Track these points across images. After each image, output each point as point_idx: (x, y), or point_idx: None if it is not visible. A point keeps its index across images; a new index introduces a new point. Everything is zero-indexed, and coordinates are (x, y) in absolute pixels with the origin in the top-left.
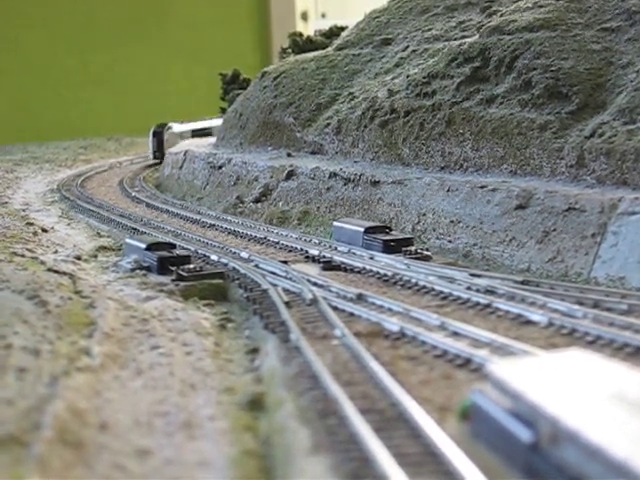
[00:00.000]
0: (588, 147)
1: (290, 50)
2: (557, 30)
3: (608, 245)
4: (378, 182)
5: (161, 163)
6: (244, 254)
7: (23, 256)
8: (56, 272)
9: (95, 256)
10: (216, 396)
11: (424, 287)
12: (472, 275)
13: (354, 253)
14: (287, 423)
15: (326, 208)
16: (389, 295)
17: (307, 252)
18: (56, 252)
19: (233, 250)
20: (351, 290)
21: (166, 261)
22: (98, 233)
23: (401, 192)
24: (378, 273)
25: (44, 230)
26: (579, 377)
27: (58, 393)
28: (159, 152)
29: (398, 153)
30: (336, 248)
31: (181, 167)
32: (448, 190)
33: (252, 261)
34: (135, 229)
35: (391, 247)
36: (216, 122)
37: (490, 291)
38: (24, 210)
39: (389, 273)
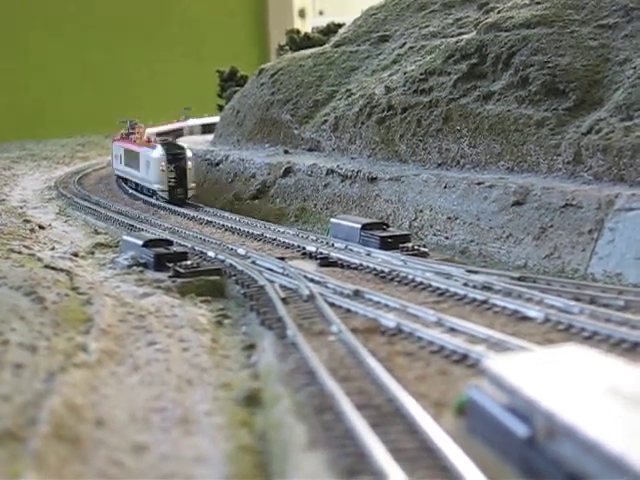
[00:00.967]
0: (585, 143)
1: (287, 47)
2: (554, 27)
3: (605, 241)
4: (375, 179)
5: (182, 204)
6: (241, 251)
7: (20, 253)
8: (53, 269)
9: (92, 253)
10: (213, 392)
11: (421, 283)
12: (469, 271)
13: (351, 249)
14: (283, 419)
15: (323, 205)
16: (386, 291)
17: (304, 249)
18: (53, 249)
19: (230, 247)
20: (348, 286)
21: (163, 258)
22: (95, 230)
23: (398, 189)
24: (375, 269)
25: (41, 227)
26: (575, 372)
27: (55, 389)
28: (180, 188)
29: (395, 150)
30: (333, 245)
31: None
32: (445, 187)
33: (249, 258)
34: (132, 226)
35: (388, 243)
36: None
37: (487, 287)
38: (21, 207)
39: (386, 269)
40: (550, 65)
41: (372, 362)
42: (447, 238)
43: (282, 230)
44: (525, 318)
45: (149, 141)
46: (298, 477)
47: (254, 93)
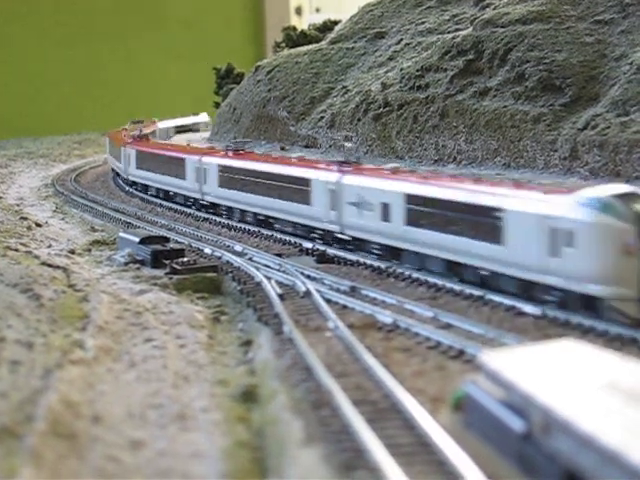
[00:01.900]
0: (581, 139)
1: (284, 44)
2: (550, 23)
3: None
4: None
5: None
6: (238, 247)
7: (17, 250)
8: (50, 266)
9: (89, 250)
10: (209, 388)
11: (417, 279)
12: None
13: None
14: (280, 415)
15: None
16: (383, 287)
17: (301, 245)
18: (50, 246)
19: (227, 243)
20: (344, 282)
21: (160, 254)
22: (92, 227)
23: None
24: (372, 265)
25: (38, 224)
26: (571, 367)
27: (51, 386)
28: None
29: (392, 146)
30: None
31: None
32: None
33: (246, 254)
34: (129, 223)
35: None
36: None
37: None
38: (18, 205)
39: (382, 265)
40: (546, 61)
41: (369, 358)
42: None
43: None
44: (521, 314)
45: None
46: (295, 472)
47: (250, 90)
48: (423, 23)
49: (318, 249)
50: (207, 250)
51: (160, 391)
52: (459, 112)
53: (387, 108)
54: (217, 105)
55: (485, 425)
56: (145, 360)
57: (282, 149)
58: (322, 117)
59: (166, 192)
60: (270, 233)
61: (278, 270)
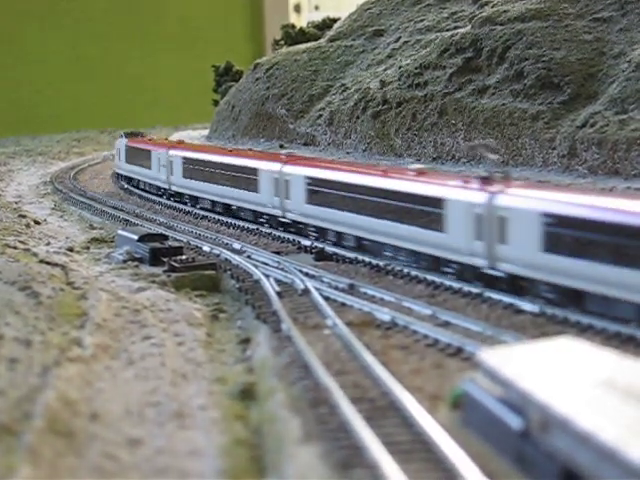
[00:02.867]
0: (580, 137)
1: (283, 42)
2: (549, 20)
3: None
4: None
5: None
6: (236, 245)
7: (15, 248)
8: (48, 264)
9: (87, 248)
10: (207, 386)
11: (416, 277)
12: None
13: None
14: (278, 412)
15: None
16: (381, 285)
17: (299, 243)
18: (48, 244)
19: (225, 241)
20: (343, 280)
21: (158, 252)
22: (91, 225)
23: None
24: (370, 263)
25: (37, 222)
26: (569, 365)
27: (49, 383)
28: None
29: (390, 144)
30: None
31: None
32: None
33: (244, 252)
34: (127, 221)
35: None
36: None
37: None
38: (17, 202)
39: (381, 263)
40: (545, 59)
41: (367, 356)
42: None
43: None
44: (519, 311)
45: None
46: (292, 470)
47: (249, 88)
48: (422, 21)
49: (317, 247)
50: (206, 248)
51: (158, 389)
52: (458, 110)
53: (386, 106)
54: (216, 103)
55: (483, 423)
56: (143, 358)
57: (281, 147)
58: (321, 115)
59: (226, 206)
60: (269, 231)
61: (277, 268)
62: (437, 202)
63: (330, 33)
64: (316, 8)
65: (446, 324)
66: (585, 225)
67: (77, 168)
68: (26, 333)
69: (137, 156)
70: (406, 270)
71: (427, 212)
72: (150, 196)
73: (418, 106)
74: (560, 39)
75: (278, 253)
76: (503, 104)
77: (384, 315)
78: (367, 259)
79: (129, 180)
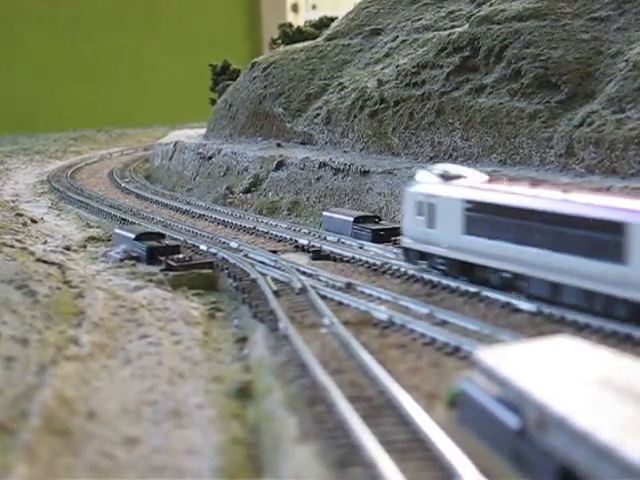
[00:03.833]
0: (577, 136)
1: (280, 41)
2: (546, 19)
3: None
4: (368, 172)
5: None
6: (233, 244)
7: (12, 247)
8: (45, 262)
9: (84, 246)
10: (204, 385)
11: (413, 276)
12: None
13: (343, 242)
14: (275, 411)
15: (316, 198)
16: (378, 284)
17: (296, 242)
18: (45, 243)
19: (222, 240)
20: (340, 279)
21: (155, 251)
22: (88, 224)
23: (391, 182)
24: (367, 262)
25: (34, 221)
26: (566, 364)
27: (46, 382)
28: None
29: (388, 143)
30: (325, 238)
31: (171, 158)
32: None
33: (241, 251)
34: (124, 220)
35: (380, 236)
36: None
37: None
38: (14, 201)
39: (378, 262)
40: (542, 58)
41: (364, 354)
42: None
43: (274, 223)
44: (516, 310)
45: None
46: (289, 469)
47: (247, 87)
48: (419, 20)
49: (314, 246)
50: (203, 247)
51: (155, 387)
52: (455, 109)
53: (383, 105)
54: (213, 102)
55: (480, 422)
56: (140, 356)
57: (278, 146)
58: (318, 114)
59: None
60: (266, 230)
61: (274, 267)
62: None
63: (327, 32)
64: (313, 7)
65: (443, 323)
66: None
67: (74, 167)
68: (23, 332)
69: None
70: (403, 269)
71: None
72: (147, 195)
73: (415, 105)
74: (557, 38)
75: (275, 252)
76: (500, 103)
77: (381, 314)
78: (364, 258)
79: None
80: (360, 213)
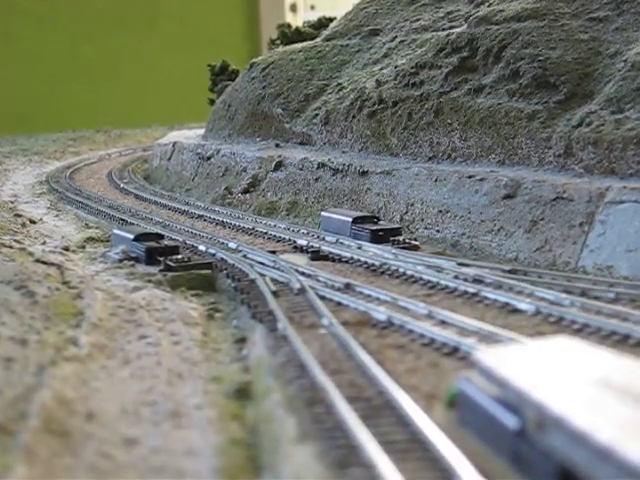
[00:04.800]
0: (576, 136)
1: (279, 41)
2: (545, 20)
3: (596, 234)
4: (366, 172)
5: None
6: (232, 244)
7: (11, 247)
8: (44, 263)
9: (83, 247)
10: (203, 385)
11: (412, 276)
12: (460, 264)
13: (342, 243)
14: (274, 412)
15: (315, 198)
16: (377, 284)
17: (295, 242)
18: (44, 243)
19: (221, 240)
20: (339, 280)
21: (154, 251)
22: (86, 224)
23: (389, 182)
24: (366, 263)
25: (32, 221)
26: (566, 364)
27: (45, 382)
28: None
29: (386, 143)
30: (324, 238)
31: (170, 158)
32: (436, 180)
33: (240, 251)
34: (123, 220)
35: (379, 237)
36: None
37: (478, 280)
38: (12, 202)
39: (377, 263)
40: (541, 58)
41: (363, 355)
42: (438, 231)
43: (273, 224)
44: (516, 310)
45: None
46: (289, 469)
47: (245, 87)
48: (418, 20)
49: (313, 246)
50: (201, 247)
51: (154, 388)
52: (453, 109)
53: (381, 105)
54: (212, 102)
55: (479, 422)
56: (139, 357)
57: (277, 146)
58: (317, 114)
59: None
60: (264, 230)
61: (272, 267)
62: None
63: (326, 32)
64: (312, 7)
65: (442, 323)
66: None
67: (73, 167)
68: (22, 332)
69: None
70: (402, 270)
71: None
72: (146, 195)
73: (414, 105)
74: (556, 38)
75: (274, 252)
76: (499, 103)
77: (380, 315)
78: (363, 259)
79: None
80: (359, 213)
